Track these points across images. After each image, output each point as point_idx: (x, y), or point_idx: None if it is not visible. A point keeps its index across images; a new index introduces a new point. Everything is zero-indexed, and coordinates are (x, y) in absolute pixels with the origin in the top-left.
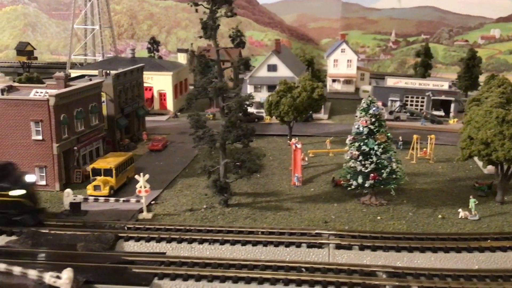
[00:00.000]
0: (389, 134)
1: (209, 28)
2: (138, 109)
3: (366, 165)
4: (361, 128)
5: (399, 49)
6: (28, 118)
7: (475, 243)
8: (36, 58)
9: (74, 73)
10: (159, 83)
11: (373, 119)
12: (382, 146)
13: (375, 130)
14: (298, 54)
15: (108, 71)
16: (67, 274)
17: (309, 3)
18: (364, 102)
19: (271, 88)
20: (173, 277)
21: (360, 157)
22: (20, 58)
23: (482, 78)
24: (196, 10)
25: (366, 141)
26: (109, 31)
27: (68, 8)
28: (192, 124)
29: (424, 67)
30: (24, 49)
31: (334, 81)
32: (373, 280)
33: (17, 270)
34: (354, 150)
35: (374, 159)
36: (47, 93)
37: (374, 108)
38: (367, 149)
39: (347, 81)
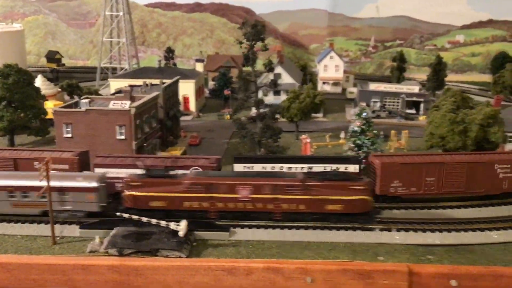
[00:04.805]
0: (375, 131)
1: (251, 59)
2: (177, 112)
3: (360, 154)
4: (356, 128)
5: (377, 53)
6: (114, 123)
7: None
8: (64, 65)
9: (112, 81)
10: (183, 88)
11: (364, 121)
12: (371, 141)
13: (366, 129)
14: (292, 59)
15: (152, 83)
16: (184, 222)
17: (300, 13)
18: (358, 110)
19: (276, 93)
20: (242, 227)
21: (356, 148)
22: (50, 65)
23: (449, 77)
24: (240, 47)
25: (360, 137)
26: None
27: (85, 18)
28: (237, 126)
29: (399, 71)
30: (54, 57)
31: (324, 83)
32: None
33: (153, 221)
34: (351, 143)
35: (365, 149)
36: (122, 104)
37: (364, 114)
38: (361, 143)
39: (335, 83)
